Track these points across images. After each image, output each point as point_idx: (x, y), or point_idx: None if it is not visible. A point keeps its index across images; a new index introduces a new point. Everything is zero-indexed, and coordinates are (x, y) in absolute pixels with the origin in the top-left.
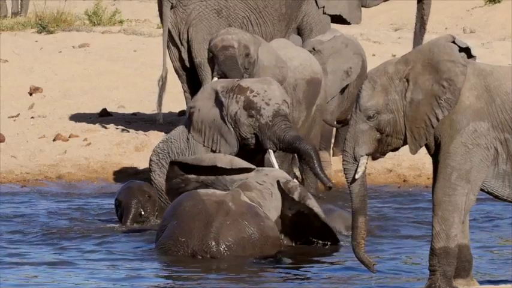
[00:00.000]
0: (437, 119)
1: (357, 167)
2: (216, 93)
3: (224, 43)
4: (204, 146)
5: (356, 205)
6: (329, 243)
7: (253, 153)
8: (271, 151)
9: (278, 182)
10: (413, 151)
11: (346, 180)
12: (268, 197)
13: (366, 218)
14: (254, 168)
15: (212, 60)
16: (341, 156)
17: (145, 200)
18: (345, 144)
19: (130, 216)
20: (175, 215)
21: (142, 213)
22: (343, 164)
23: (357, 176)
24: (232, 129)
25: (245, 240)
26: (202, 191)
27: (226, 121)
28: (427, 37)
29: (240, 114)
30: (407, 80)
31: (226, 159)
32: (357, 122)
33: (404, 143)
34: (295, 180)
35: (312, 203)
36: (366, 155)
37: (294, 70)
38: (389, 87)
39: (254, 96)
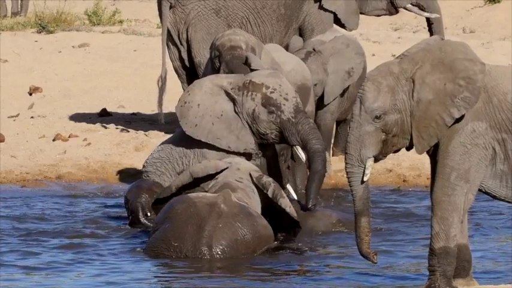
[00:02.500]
0: (453, 118)
1: (364, 169)
2: (222, 89)
3: (232, 43)
4: (202, 140)
5: (359, 207)
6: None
7: (266, 148)
8: (299, 147)
9: (251, 175)
10: (420, 151)
11: (350, 184)
12: (252, 195)
13: (369, 217)
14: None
15: (217, 58)
16: (341, 156)
17: (153, 200)
18: (349, 147)
19: (137, 216)
20: (168, 218)
21: (149, 213)
22: (347, 167)
23: (365, 179)
24: (247, 126)
25: (238, 241)
26: (193, 194)
27: (241, 118)
28: (425, 37)
29: (259, 112)
30: (413, 80)
31: (212, 163)
32: (361, 124)
33: (410, 143)
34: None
35: (285, 202)
36: (373, 156)
37: (287, 74)
38: (396, 87)
39: (271, 92)
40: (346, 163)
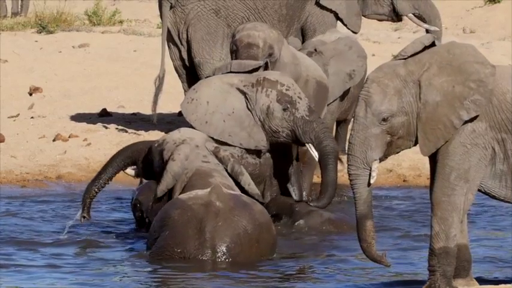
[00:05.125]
0: (461, 120)
1: (371, 171)
2: (233, 86)
3: (250, 40)
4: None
5: (363, 211)
6: None
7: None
8: (311, 145)
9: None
10: (426, 152)
11: (353, 186)
12: (224, 173)
13: (373, 220)
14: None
15: (234, 53)
16: (341, 156)
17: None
18: (353, 149)
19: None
20: (166, 225)
21: None
22: (351, 170)
23: (372, 181)
24: (260, 123)
25: (241, 235)
26: (184, 196)
27: (254, 115)
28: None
29: (274, 108)
30: (420, 82)
31: (182, 156)
32: (367, 126)
33: (415, 144)
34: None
35: (244, 180)
36: (379, 159)
37: (307, 67)
38: (403, 89)
39: (287, 90)
40: (350, 165)
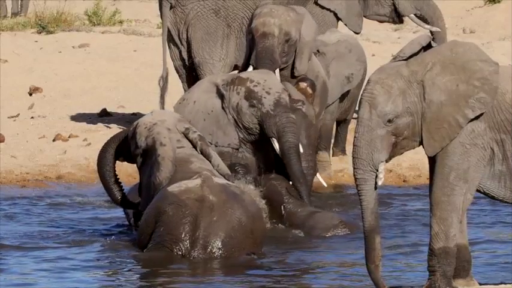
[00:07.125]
0: (467, 119)
1: (378, 174)
2: (216, 86)
3: (265, 29)
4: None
5: (371, 222)
6: None
7: (259, 144)
8: (275, 139)
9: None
10: (431, 152)
11: (361, 192)
12: (201, 156)
13: (380, 235)
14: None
15: (249, 42)
16: (341, 156)
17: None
18: (359, 151)
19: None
20: (161, 221)
21: None
22: (358, 174)
23: (379, 183)
24: (233, 121)
25: (236, 228)
26: (175, 189)
27: (228, 113)
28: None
29: (242, 105)
30: (423, 82)
31: (167, 139)
32: (372, 128)
33: (419, 144)
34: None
35: (214, 161)
36: (385, 160)
37: (319, 67)
38: (408, 90)
39: (255, 86)
40: (356, 169)
